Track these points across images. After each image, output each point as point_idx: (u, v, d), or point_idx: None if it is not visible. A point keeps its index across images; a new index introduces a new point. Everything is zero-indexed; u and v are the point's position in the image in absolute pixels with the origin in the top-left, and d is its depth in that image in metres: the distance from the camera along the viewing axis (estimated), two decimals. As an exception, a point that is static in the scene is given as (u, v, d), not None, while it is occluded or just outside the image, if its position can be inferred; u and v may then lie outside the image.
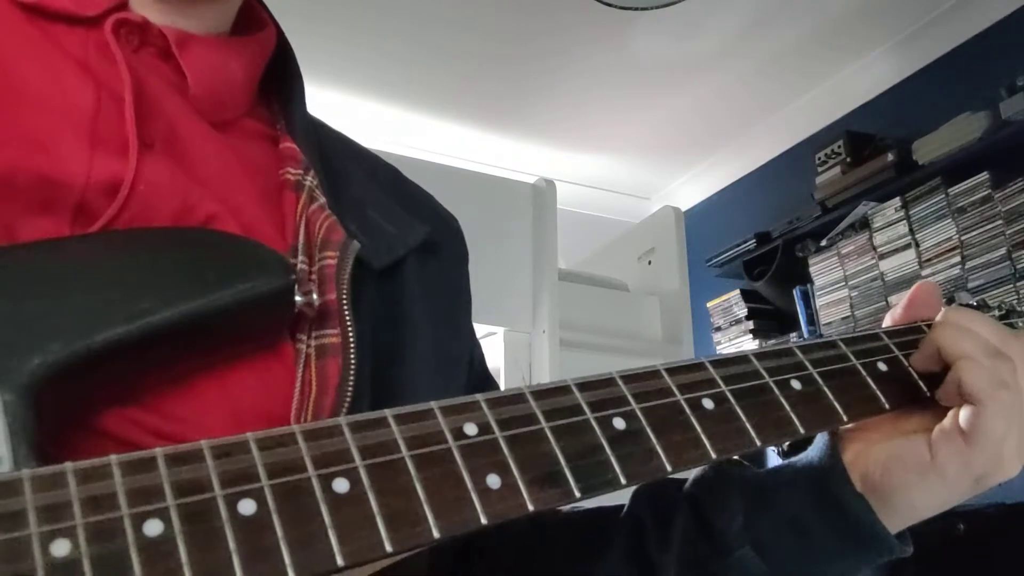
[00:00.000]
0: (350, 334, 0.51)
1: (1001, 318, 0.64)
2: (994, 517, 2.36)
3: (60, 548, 0.31)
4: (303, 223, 0.55)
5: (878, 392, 0.52)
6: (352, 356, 0.51)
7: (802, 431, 0.48)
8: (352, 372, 0.50)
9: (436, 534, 0.36)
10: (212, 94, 0.57)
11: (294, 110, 0.63)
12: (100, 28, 0.52)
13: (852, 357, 0.53)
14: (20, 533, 0.31)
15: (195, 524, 0.32)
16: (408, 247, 0.61)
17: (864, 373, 0.53)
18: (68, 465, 0.33)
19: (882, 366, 0.54)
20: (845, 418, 0.50)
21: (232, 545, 0.32)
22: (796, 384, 0.49)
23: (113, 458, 0.33)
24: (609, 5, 2.74)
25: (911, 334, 0.57)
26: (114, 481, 0.33)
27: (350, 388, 0.50)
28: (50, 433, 0.39)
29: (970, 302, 0.66)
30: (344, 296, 0.52)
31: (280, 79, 0.65)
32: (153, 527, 0.32)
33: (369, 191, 0.64)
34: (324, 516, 0.34)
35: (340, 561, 0.34)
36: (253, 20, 0.63)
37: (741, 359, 0.49)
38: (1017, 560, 2.30)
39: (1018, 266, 2.63)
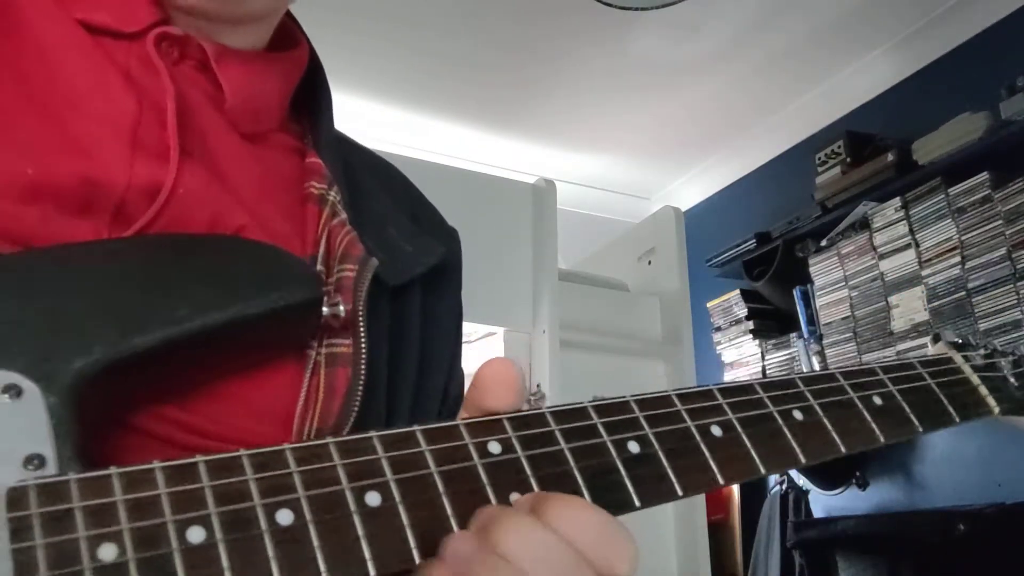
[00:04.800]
0: (362, 346, 0.53)
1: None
2: (994, 517, 2.38)
3: (107, 552, 0.32)
4: (325, 235, 0.57)
5: (874, 426, 0.55)
6: (363, 367, 0.52)
7: (803, 460, 0.49)
8: (361, 382, 0.52)
9: None
10: (247, 107, 0.58)
11: (321, 126, 0.64)
12: (142, 41, 0.54)
13: (849, 390, 0.55)
14: (69, 536, 0.32)
15: (236, 532, 0.34)
16: (422, 268, 0.62)
17: (860, 406, 0.55)
18: (113, 469, 0.34)
19: (877, 400, 0.56)
20: (843, 449, 0.52)
21: (271, 553, 0.34)
22: (798, 415, 0.51)
23: (156, 464, 0.35)
24: (609, 5, 2.74)
25: (907, 369, 0.60)
26: (157, 487, 0.34)
27: (358, 397, 0.51)
28: (90, 431, 0.41)
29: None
30: (360, 309, 0.53)
31: (310, 95, 0.66)
32: (196, 534, 0.33)
33: (388, 208, 0.66)
34: (357, 527, 0.36)
35: (372, 571, 0.35)
36: (288, 37, 0.65)
37: (747, 388, 0.51)
38: (1017, 560, 2.31)
39: (1018, 266, 2.63)
